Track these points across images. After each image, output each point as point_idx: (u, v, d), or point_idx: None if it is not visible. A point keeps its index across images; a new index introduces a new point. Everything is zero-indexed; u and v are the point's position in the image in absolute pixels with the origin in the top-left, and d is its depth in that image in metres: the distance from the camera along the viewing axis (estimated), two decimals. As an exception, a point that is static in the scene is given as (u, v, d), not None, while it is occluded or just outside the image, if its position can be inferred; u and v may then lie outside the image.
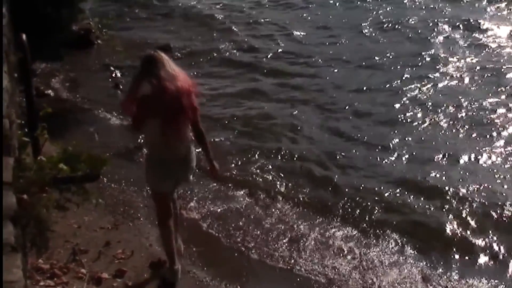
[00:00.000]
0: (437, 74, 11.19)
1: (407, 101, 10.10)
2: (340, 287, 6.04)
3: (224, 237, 6.80)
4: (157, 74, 5.21)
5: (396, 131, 9.21)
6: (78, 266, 5.74)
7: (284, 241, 6.72)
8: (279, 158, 8.48)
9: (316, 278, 6.16)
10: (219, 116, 9.72)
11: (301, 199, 7.51)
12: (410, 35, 13.36)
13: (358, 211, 7.27)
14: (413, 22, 14.12)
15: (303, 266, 6.33)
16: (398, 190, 7.69)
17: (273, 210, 7.28)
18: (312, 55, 12.32)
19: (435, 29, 13.58)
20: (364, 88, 10.77)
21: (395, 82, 10.86)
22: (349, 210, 7.29)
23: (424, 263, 6.41)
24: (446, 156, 8.47)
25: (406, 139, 8.97)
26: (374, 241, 6.80)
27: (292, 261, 6.42)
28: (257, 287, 6.05)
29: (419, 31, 13.57)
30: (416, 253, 6.59)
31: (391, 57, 11.88)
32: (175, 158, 5.50)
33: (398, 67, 11.46)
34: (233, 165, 8.23)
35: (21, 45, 6.84)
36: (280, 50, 12.57)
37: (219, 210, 7.26)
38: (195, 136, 5.64)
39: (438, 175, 8.00)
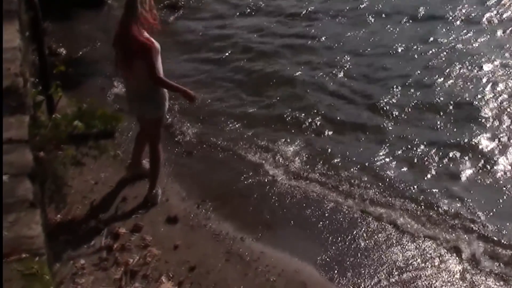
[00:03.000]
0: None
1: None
2: (350, 254, 6.10)
3: (240, 192, 6.88)
4: (127, 16, 5.67)
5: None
6: (96, 221, 5.83)
7: (302, 195, 6.82)
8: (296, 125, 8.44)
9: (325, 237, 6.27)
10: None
11: (316, 165, 7.48)
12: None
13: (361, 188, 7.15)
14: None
15: (315, 223, 6.43)
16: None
17: (289, 172, 7.28)
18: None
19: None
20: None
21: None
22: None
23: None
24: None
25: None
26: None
27: (306, 216, 6.52)
28: (273, 240, 6.10)
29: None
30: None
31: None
32: (129, 92, 6.18)
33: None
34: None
35: (32, 4, 6.81)
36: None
37: (236, 168, 7.33)
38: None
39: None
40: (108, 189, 6.40)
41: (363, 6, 12.77)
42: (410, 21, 12.02)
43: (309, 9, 12.66)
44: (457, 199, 6.83)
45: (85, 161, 5.95)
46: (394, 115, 8.54)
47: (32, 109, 5.43)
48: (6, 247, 3.38)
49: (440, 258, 5.94)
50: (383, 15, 12.31)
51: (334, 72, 9.84)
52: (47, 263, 3.39)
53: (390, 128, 8.24)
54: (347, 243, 6.11)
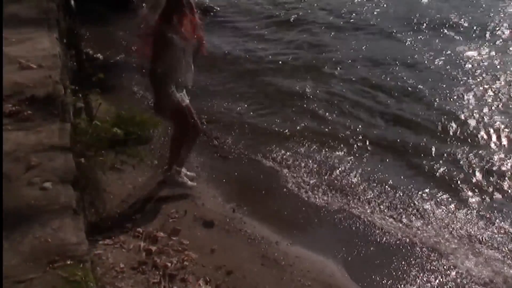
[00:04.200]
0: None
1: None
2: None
3: (274, 197, 6.93)
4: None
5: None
6: (134, 225, 5.93)
7: (335, 200, 6.86)
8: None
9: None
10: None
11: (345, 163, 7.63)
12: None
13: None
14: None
15: (349, 229, 6.47)
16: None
17: (324, 181, 7.29)
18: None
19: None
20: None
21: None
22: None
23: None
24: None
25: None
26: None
27: (343, 219, 6.57)
28: (308, 244, 6.12)
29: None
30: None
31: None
32: None
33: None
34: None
35: (70, 11, 6.95)
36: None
37: (271, 173, 7.40)
38: None
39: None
40: (145, 193, 6.47)
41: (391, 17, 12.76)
42: (439, 32, 12.02)
43: (342, 21, 12.70)
44: (485, 218, 6.76)
45: (123, 167, 6.03)
46: (416, 129, 8.55)
47: (73, 116, 5.58)
48: (51, 253, 3.49)
49: (466, 273, 5.94)
50: (408, 26, 12.30)
51: (363, 87, 9.86)
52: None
53: (413, 142, 8.23)
54: (382, 252, 6.12)
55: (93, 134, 5.30)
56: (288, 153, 7.78)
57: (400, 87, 9.86)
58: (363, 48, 11.41)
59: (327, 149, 7.92)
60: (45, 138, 4.73)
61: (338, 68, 10.52)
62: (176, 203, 6.40)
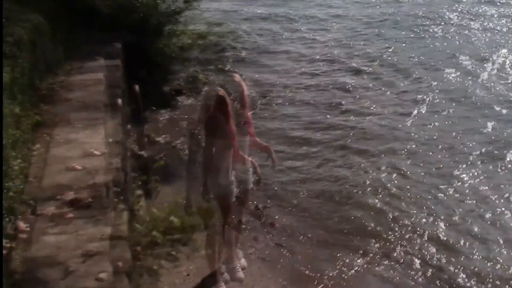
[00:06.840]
0: None
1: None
2: None
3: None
4: None
5: None
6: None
7: None
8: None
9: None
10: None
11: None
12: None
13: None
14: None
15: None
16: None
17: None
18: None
19: None
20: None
21: None
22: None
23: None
24: None
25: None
26: None
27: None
28: None
29: None
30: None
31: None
32: None
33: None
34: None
35: (135, 96, 7.18)
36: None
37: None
38: None
39: None
40: (199, 281, 6.37)
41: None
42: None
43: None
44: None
45: (178, 254, 6.04)
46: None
47: (132, 203, 5.67)
48: None
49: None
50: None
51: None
52: None
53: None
54: None
55: (151, 222, 5.37)
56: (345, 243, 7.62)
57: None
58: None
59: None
60: (103, 227, 4.79)
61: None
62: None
